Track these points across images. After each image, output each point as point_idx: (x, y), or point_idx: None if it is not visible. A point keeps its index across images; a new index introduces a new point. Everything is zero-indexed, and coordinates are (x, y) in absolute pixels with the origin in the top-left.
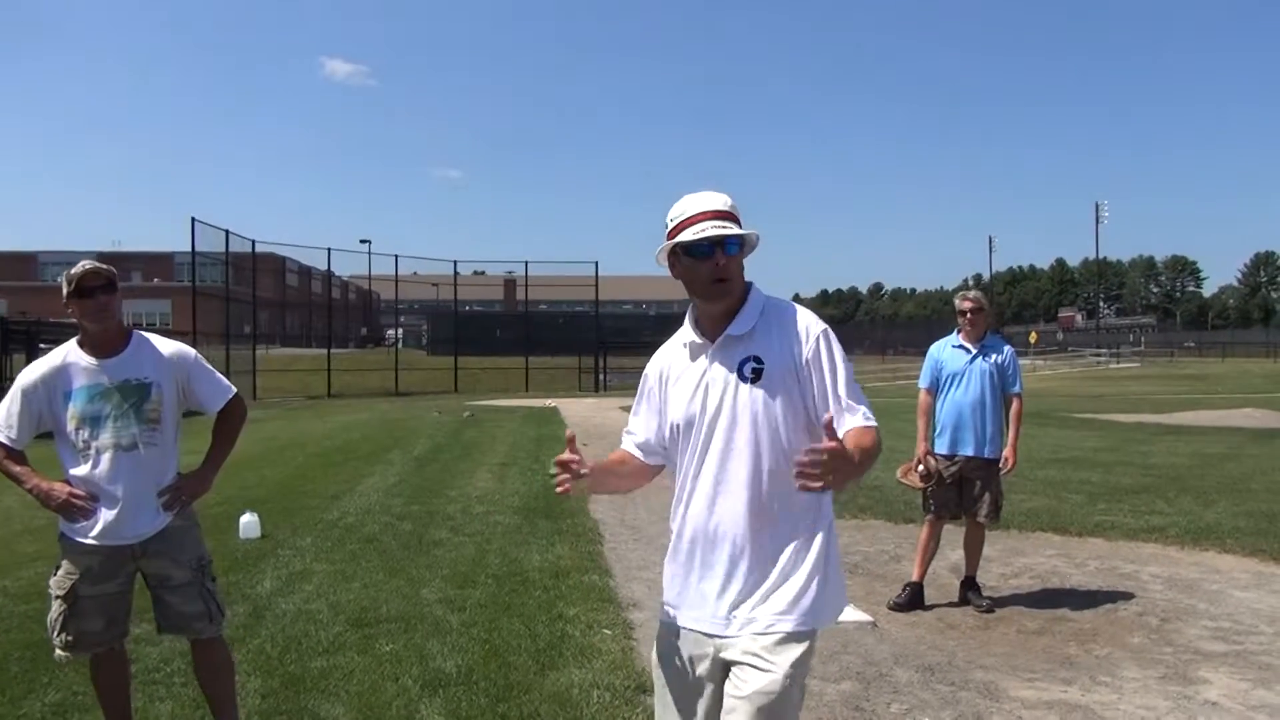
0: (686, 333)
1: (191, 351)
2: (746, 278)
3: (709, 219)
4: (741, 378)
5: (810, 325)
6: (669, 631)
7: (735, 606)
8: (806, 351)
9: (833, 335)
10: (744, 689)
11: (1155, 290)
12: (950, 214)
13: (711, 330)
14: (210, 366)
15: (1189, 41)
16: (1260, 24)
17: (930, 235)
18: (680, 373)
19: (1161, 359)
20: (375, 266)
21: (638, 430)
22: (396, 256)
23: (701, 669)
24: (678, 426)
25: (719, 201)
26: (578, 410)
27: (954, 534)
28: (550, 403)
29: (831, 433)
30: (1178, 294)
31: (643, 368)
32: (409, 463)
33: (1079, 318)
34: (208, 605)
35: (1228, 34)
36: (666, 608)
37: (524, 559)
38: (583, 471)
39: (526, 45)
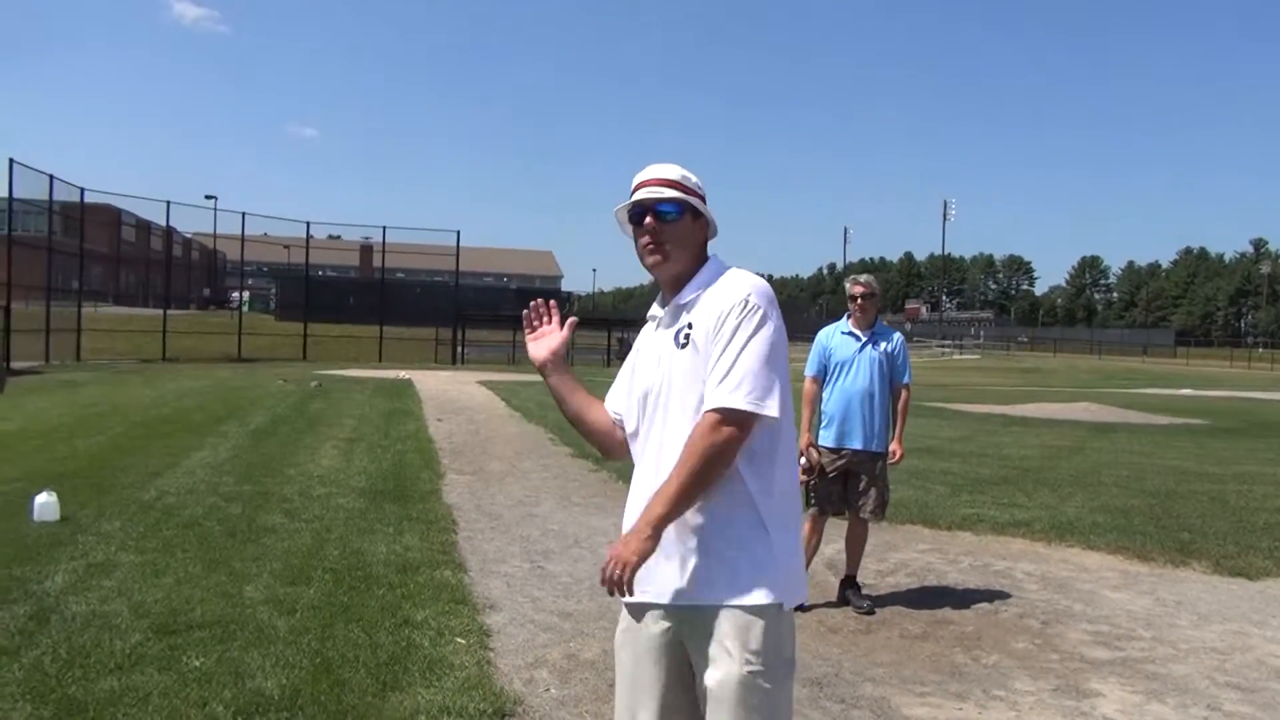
0: (653, 306)
1: None
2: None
3: (650, 186)
4: (677, 344)
5: (733, 290)
6: (627, 608)
7: (670, 579)
8: (717, 317)
9: (754, 301)
10: (712, 677)
11: (993, 287)
12: (807, 205)
13: (666, 299)
14: None
15: (1032, 58)
16: (1093, 46)
17: (788, 225)
18: (644, 343)
19: (999, 352)
20: (221, 225)
21: (611, 400)
22: (244, 214)
23: (654, 643)
24: (634, 401)
25: (666, 171)
26: (433, 383)
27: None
28: (404, 374)
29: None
30: (1013, 291)
31: (501, 341)
32: (245, 436)
33: (924, 310)
34: None
35: (1068, 54)
36: None
37: (367, 550)
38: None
39: None
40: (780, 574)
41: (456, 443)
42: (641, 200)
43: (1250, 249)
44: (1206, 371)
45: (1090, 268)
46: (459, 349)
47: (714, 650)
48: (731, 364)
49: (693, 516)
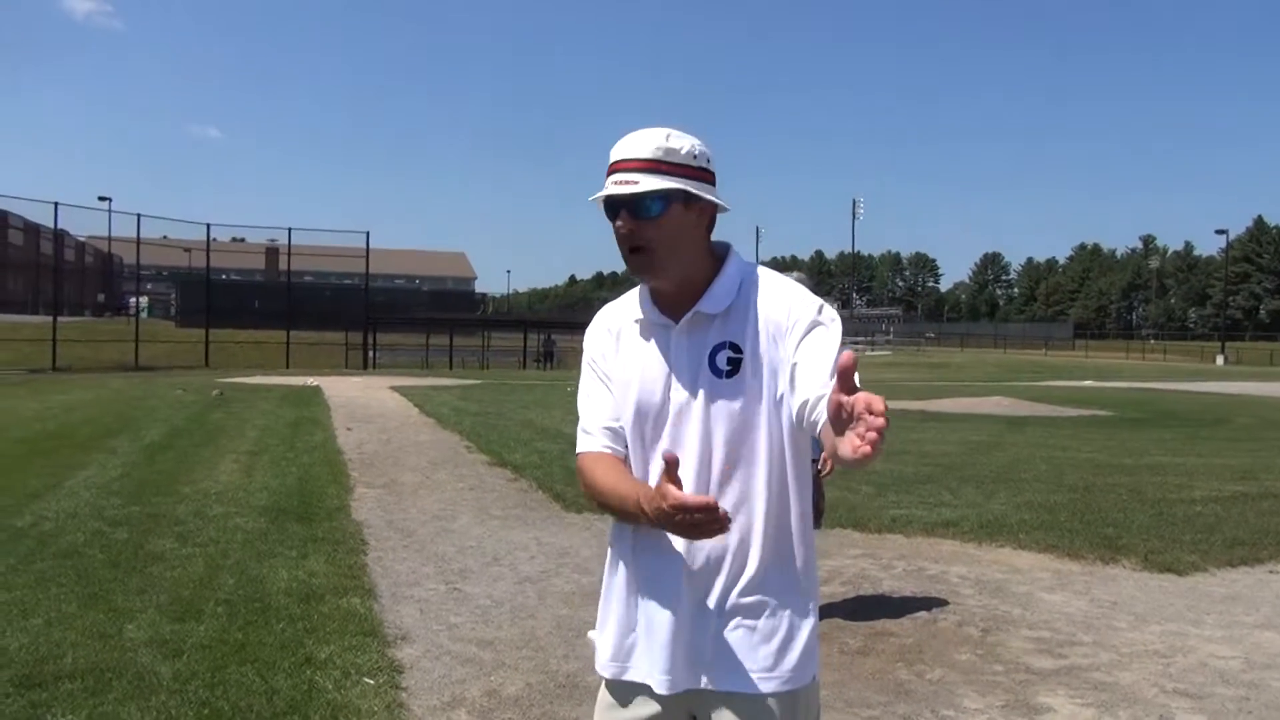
0: (635, 307)
1: None
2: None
3: (622, 171)
4: (714, 370)
5: (798, 302)
6: (618, 689)
7: (703, 659)
8: (793, 336)
9: (830, 314)
10: None
11: (900, 284)
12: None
13: (674, 306)
14: None
15: (934, 63)
16: (988, 52)
17: None
18: (631, 355)
19: (909, 348)
20: (117, 227)
21: (603, 418)
22: (139, 216)
23: None
24: (626, 425)
25: (643, 146)
26: (343, 390)
27: None
28: (312, 381)
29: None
30: (919, 288)
31: (414, 345)
32: (138, 451)
33: (834, 307)
34: None
35: (965, 59)
36: (610, 661)
37: (267, 577)
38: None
39: None
40: (815, 637)
41: (367, 453)
42: (614, 195)
43: (1140, 245)
44: (1104, 363)
45: (992, 264)
46: (370, 354)
47: None
48: (830, 356)
49: (747, 579)
